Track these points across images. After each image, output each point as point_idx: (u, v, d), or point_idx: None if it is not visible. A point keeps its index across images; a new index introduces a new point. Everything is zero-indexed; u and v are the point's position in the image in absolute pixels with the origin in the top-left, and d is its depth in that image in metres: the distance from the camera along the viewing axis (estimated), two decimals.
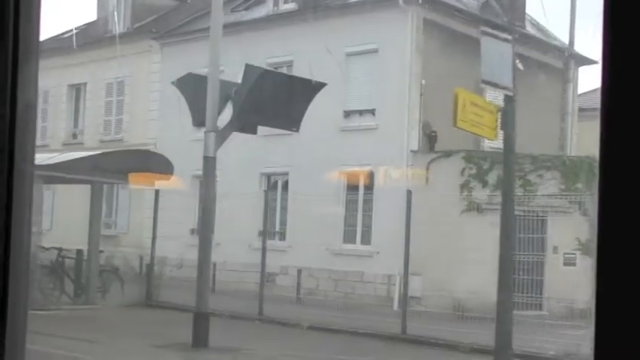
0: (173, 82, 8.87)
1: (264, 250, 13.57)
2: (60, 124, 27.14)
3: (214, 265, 19.65)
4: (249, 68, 8.08)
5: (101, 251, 17.08)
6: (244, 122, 8.82)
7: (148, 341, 11.25)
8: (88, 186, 17.72)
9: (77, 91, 27.20)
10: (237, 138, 19.50)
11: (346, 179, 19.25)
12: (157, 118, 23.91)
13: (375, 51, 18.41)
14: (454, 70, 18.71)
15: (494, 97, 13.63)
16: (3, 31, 1.40)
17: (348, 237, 19.15)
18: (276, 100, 8.61)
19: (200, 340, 9.62)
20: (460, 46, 18.48)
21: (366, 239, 18.83)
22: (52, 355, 9.17)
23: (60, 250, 16.09)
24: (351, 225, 19.22)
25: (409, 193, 16.54)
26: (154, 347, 10.86)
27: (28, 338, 1.44)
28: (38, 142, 26.73)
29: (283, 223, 20.39)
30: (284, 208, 20.44)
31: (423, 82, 18.06)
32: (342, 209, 19.22)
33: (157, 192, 15.34)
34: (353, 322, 14.73)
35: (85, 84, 26.47)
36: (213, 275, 20.02)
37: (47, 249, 15.79)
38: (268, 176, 20.87)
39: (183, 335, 10.71)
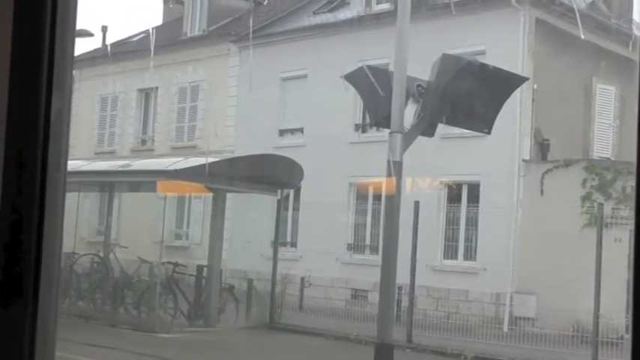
0: (343, 76, 7.98)
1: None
2: (128, 130, 26.64)
3: (301, 279, 19.04)
4: (447, 59, 7.16)
5: (181, 265, 16.31)
6: (434, 121, 7.91)
7: None
8: (152, 193, 17.25)
9: (147, 96, 26.75)
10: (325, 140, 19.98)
11: (447, 190, 18.53)
12: (235, 125, 23.18)
13: (483, 53, 17.46)
14: (567, 74, 17.76)
15: None
16: (39, 36, 1.42)
17: (450, 252, 18.39)
18: (472, 96, 7.68)
19: None
20: (571, 49, 17.55)
21: (470, 255, 18.04)
22: None
23: (176, 265, 15.31)
24: (452, 239, 18.38)
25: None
26: None
27: None
28: (105, 148, 26.85)
29: (375, 235, 19.59)
30: (375, 220, 19.65)
31: (535, 86, 17.09)
32: (441, 222, 18.39)
33: (279, 202, 14.50)
34: (469, 345, 13.77)
35: (156, 89, 25.89)
36: (301, 291, 19.37)
37: (163, 263, 15.04)
38: (357, 186, 20.21)
39: None
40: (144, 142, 26.63)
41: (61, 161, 1.47)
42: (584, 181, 16.21)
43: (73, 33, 1.49)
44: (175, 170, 12.72)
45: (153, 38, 22.67)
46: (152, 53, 22.96)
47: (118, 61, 26.17)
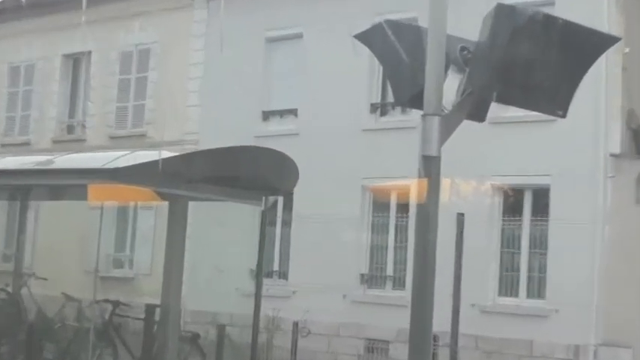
0: (355, 35, 7.89)
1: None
2: (49, 112, 26.73)
3: (295, 325, 19.16)
4: (503, 11, 7.01)
5: (123, 304, 16.34)
6: (486, 99, 7.81)
7: None
8: (82, 202, 17.23)
9: (76, 64, 26.93)
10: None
11: (502, 197, 18.66)
12: (200, 104, 23.34)
13: (551, 2, 17.56)
14: None
15: None
16: None
17: (507, 287, 18.61)
18: (539, 64, 7.58)
19: None
20: None
21: (535, 290, 18.23)
22: None
23: (116, 304, 15.35)
24: (510, 268, 18.51)
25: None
26: None
27: None
28: (17, 138, 26.90)
29: (400, 262, 19.73)
30: (401, 239, 19.82)
31: (627, 50, 17.19)
32: (494, 242, 18.55)
33: (263, 214, 14.47)
34: None
35: (88, 54, 26.02)
36: (294, 342, 19.48)
37: (97, 302, 15.08)
38: (374, 191, 20.40)
39: None
40: (71, 129, 26.74)
41: None
42: None
43: None
44: (115, 169, 12.66)
45: None
46: (84, 4, 22.96)
47: (34, 15, 26.21)
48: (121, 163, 13.08)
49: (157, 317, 15.00)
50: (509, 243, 18.66)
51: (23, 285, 18.25)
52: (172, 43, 24.27)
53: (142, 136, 24.11)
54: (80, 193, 14.79)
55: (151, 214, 22.13)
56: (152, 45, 24.72)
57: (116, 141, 24.12)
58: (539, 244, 18.22)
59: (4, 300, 17.91)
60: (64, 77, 26.84)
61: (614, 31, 16.54)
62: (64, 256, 21.22)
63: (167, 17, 24.34)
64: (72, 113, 26.86)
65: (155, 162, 12.47)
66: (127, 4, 24.95)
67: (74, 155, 18.40)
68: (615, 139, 17.56)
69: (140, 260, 23.40)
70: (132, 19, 24.89)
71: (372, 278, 20.31)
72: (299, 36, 21.93)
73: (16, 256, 19.51)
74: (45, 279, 18.37)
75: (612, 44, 8.05)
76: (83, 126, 26.29)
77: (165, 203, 15.08)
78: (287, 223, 21.43)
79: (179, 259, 14.43)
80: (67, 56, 26.73)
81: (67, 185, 15.36)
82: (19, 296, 17.88)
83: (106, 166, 13.18)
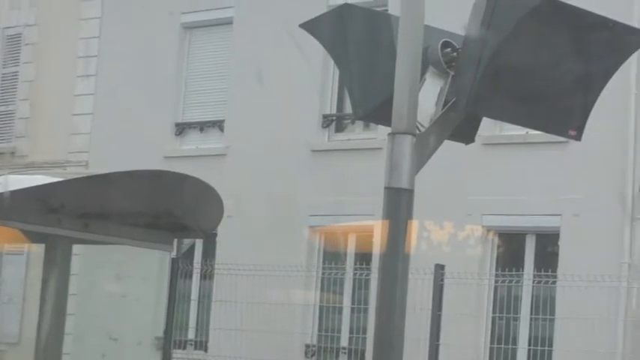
0: (302, 24, 7.97)
1: None
2: None
3: None
4: None
5: None
6: (475, 114, 7.96)
7: None
8: None
9: None
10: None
11: (497, 242, 18.78)
12: (92, 112, 23.33)
13: None
14: None
15: None
16: None
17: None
18: (550, 68, 7.75)
19: None
20: None
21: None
22: None
23: None
24: (505, 339, 18.69)
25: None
26: None
27: None
28: None
29: (358, 329, 19.85)
30: (359, 300, 19.89)
31: None
32: (485, 305, 18.78)
33: (174, 262, 14.55)
34: None
35: None
36: None
37: None
38: (325, 234, 20.43)
39: None
40: None
41: None
42: None
43: None
44: None
45: None
46: None
47: None
48: None
49: None
50: (505, 306, 18.72)
51: None
52: (54, 28, 24.36)
53: (11, 153, 24.05)
54: None
55: (20, 262, 22.03)
56: (26, 29, 24.83)
57: None
58: (544, 307, 18.23)
59: None
60: None
61: None
62: None
63: None
64: None
65: (27, 190, 12.48)
66: None
67: None
68: None
69: (5, 324, 23.26)
70: None
71: (322, 351, 20.36)
72: (227, 22, 22.08)
73: None
74: None
75: None
76: None
77: (41, 246, 15.08)
78: (207, 276, 21.35)
79: (59, 322, 14.40)
80: None
81: None
82: None
83: None
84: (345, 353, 20.11)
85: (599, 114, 7.97)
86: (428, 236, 17.44)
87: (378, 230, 7.39)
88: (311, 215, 20.16)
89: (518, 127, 8.57)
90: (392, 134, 7.28)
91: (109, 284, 19.73)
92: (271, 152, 20.53)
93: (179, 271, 15.73)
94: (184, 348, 21.04)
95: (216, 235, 17.84)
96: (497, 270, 18.87)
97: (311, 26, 8.09)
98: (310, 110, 20.65)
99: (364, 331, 19.43)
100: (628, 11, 17.05)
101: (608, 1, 15.46)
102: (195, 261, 21.40)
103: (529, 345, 18.45)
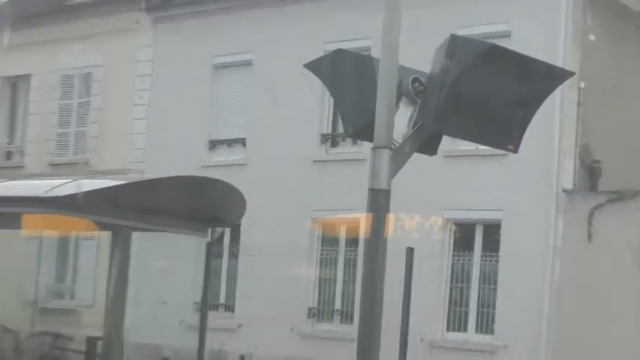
0: (306, 64, 8.00)
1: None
2: None
3: (242, 358, 19.17)
4: (458, 43, 7.20)
5: (64, 336, 16.30)
6: (437, 133, 7.97)
7: None
8: (20, 232, 17.14)
9: (14, 87, 26.72)
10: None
11: (453, 232, 18.77)
12: (146, 132, 23.27)
13: (507, 35, 17.79)
14: (629, 68, 18.17)
15: None
16: None
17: (456, 322, 18.73)
18: (493, 97, 7.75)
19: None
20: (636, 32, 18.02)
21: (485, 326, 18.34)
22: None
23: (55, 336, 15.24)
24: (459, 303, 18.63)
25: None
26: None
27: None
28: None
29: (348, 296, 19.80)
30: (349, 274, 19.86)
31: (582, 84, 17.43)
32: (444, 277, 18.71)
33: (208, 246, 14.46)
34: None
35: (27, 77, 25.88)
36: None
37: (36, 334, 14.97)
38: (323, 224, 20.39)
39: None
40: (9, 155, 26.57)
41: None
42: None
43: None
44: (54, 198, 12.59)
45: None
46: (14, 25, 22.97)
47: None
48: (62, 192, 13.05)
49: (98, 350, 14.94)
50: (459, 278, 18.75)
51: None
52: (117, 68, 24.14)
53: (85, 163, 24.00)
54: (17, 222, 14.73)
55: (92, 245, 22.00)
56: (95, 69, 24.59)
57: (56, 168, 23.95)
58: (490, 279, 18.31)
59: None
60: (2, 101, 26.61)
61: (570, 65, 16.82)
62: (1, 287, 21.02)
63: (111, 40, 24.18)
64: (10, 139, 26.62)
65: (98, 190, 12.47)
66: (69, 26, 24.80)
67: (12, 183, 18.32)
68: (568, 175, 17.74)
69: (82, 291, 23.21)
70: (74, 42, 24.68)
71: (320, 312, 20.34)
72: (248, 63, 21.98)
73: None
74: None
75: (566, 78, 8.33)
76: (22, 152, 26.09)
77: (108, 233, 15.04)
78: (234, 255, 21.42)
79: (122, 290, 14.38)
80: (4, 79, 26.52)
81: (3, 214, 15.27)
82: None
83: (46, 194, 13.14)
84: (338, 314, 20.06)
85: (532, 133, 7.99)
86: (402, 225, 17.41)
87: (364, 221, 7.38)
88: (312, 210, 20.12)
89: (470, 142, 8.58)
90: (374, 148, 7.33)
91: (159, 262, 19.79)
92: (282, 162, 20.50)
93: (213, 252, 15.66)
94: (217, 310, 21.03)
95: (240, 225, 17.77)
96: (454, 251, 18.85)
97: (312, 66, 8.11)
98: (312, 130, 20.61)
99: (353, 297, 19.36)
100: (554, 56, 17.01)
101: (540, 47, 15.49)
102: (224, 245, 21.39)
103: (477, 308, 18.52)
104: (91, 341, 15.30)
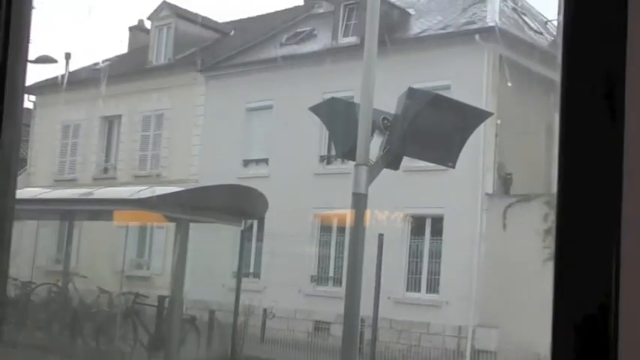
0: (310, 108, 7.96)
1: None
2: (90, 158, 26.34)
3: (264, 311, 18.91)
4: (413, 92, 7.20)
5: (142, 295, 16.09)
6: (400, 154, 7.92)
7: None
8: (113, 222, 17.12)
9: (110, 124, 26.53)
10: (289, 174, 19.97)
11: (411, 223, 18.56)
12: (199, 154, 23.12)
13: (447, 87, 17.64)
14: (529, 110, 18.03)
15: None
16: None
17: (413, 285, 18.40)
18: (438, 130, 7.71)
19: None
20: (535, 86, 17.83)
21: (433, 288, 18.06)
22: None
23: (136, 295, 15.09)
24: (415, 272, 18.43)
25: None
26: None
27: None
28: (66, 175, 26.49)
29: (338, 267, 19.56)
30: (339, 252, 19.63)
31: (499, 121, 17.29)
32: (404, 255, 18.50)
33: (242, 233, 14.38)
34: None
35: (119, 117, 25.71)
36: (263, 323, 19.28)
37: (123, 294, 14.81)
38: (321, 218, 20.20)
39: None
40: (106, 170, 26.32)
41: (9, 189, 1.47)
42: (546, 216, 16.28)
43: (23, 64, 1.50)
44: (137, 200, 12.54)
45: (115, 66, 22.55)
46: (110, 81, 22.83)
47: (81, 88, 25.94)
48: (143, 195, 12.99)
49: (166, 305, 14.84)
50: (415, 255, 18.63)
51: (69, 281, 17.98)
52: (180, 110, 24.00)
53: (158, 175, 23.89)
54: (111, 216, 14.66)
55: (163, 232, 21.86)
56: (166, 111, 24.47)
57: (138, 179, 23.83)
58: (436, 256, 18.19)
59: (55, 292, 17.61)
60: (102, 133, 26.50)
61: (490, 107, 16.72)
62: (99, 261, 20.92)
63: (177, 91, 24.09)
64: (107, 159, 26.53)
65: (166, 195, 12.41)
66: (147, 82, 24.73)
67: (109, 189, 18.26)
68: (489, 183, 17.68)
69: (155, 264, 23.07)
70: (151, 92, 24.63)
71: (319, 278, 20.20)
72: (270, 107, 21.90)
73: (65, 260, 19.22)
74: (85, 277, 18.11)
75: (488, 117, 8.31)
76: (115, 168, 25.99)
77: (173, 224, 14.97)
78: (260, 239, 21.26)
79: (182, 263, 14.31)
80: (104, 118, 26.40)
81: (103, 210, 15.20)
82: (66, 289, 17.62)
83: (132, 197, 13.09)
84: (331, 279, 19.95)
85: (464, 154, 7.98)
86: (375, 218, 17.28)
87: (349, 215, 7.40)
88: (314, 208, 20.00)
89: (422, 161, 8.58)
90: (356, 165, 7.32)
91: (209, 243, 19.65)
92: (293, 175, 20.38)
93: (245, 237, 15.58)
94: (247, 277, 20.84)
95: (264, 218, 17.69)
96: (411, 236, 18.75)
97: (314, 109, 8.13)
98: (313, 153, 20.53)
99: (342, 268, 19.21)
100: (479, 101, 16.87)
101: (469, 95, 15.38)
102: (253, 232, 21.26)
103: (427, 275, 18.39)
104: (161, 299, 15.20)
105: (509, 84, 17.25)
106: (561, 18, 1.30)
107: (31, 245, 20.96)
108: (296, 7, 25.48)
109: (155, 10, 26.02)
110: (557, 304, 1.18)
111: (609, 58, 1.16)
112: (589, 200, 1.20)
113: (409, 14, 20.70)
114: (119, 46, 36.77)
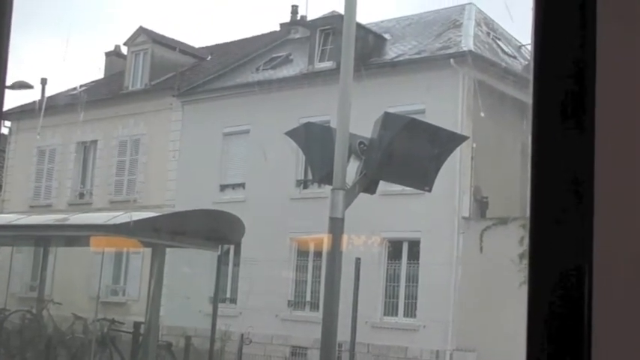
0: (286, 132, 7.95)
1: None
2: (66, 183, 26.09)
3: (241, 336, 18.76)
4: (389, 117, 7.22)
5: (117, 321, 15.92)
6: (376, 179, 7.93)
7: None
8: (89, 248, 16.98)
9: (86, 149, 26.30)
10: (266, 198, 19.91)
11: (388, 247, 18.55)
12: (176, 179, 22.98)
13: (422, 112, 17.73)
14: (505, 133, 18.17)
15: None
16: None
17: (390, 309, 18.33)
18: (414, 154, 7.73)
19: None
20: (509, 109, 18.01)
21: (410, 311, 18.00)
22: None
23: (112, 321, 14.89)
24: (392, 297, 18.35)
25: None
26: None
27: None
28: (41, 201, 26.21)
29: (315, 291, 19.46)
30: (316, 276, 19.55)
31: (474, 145, 17.37)
32: (381, 278, 18.44)
33: (219, 257, 14.28)
34: None
35: (95, 142, 25.54)
36: (239, 348, 19.10)
37: (98, 320, 14.61)
38: (298, 242, 20.11)
39: None
40: (82, 195, 26.07)
41: None
42: (522, 239, 16.33)
43: (1, 90, 1.47)
44: (113, 225, 12.43)
45: (90, 92, 22.44)
46: (86, 107, 22.70)
47: (57, 113, 25.72)
48: (119, 220, 12.88)
49: (141, 331, 14.69)
50: (392, 279, 18.54)
51: (44, 308, 17.74)
52: (156, 135, 23.90)
53: (134, 201, 23.68)
54: (87, 242, 14.52)
55: (139, 257, 21.67)
56: (142, 136, 24.33)
57: (114, 204, 23.64)
58: (413, 279, 18.12)
59: (29, 319, 17.36)
60: (77, 158, 26.27)
61: (465, 132, 16.83)
62: (74, 287, 20.69)
63: (153, 116, 23.99)
64: (83, 184, 26.29)
65: (142, 220, 12.31)
66: (123, 107, 24.60)
67: (84, 215, 18.10)
68: (465, 207, 17.71)
69: (131, 289, 22.84)
70: (127, 117, 24.51)
71: (296, 303, 20.08)
72: (246, 132, 21.85)
73: (39, 286, 18.97)
74: (60, 303, 17.89)
75: (463, 141, 8.36)
76: (91, 193, 25.76)
77: (149, 249, 14.85)
78: (236, 264, 21.11)
79: (159, 289, 14.18)
80: (79, 143, 26.17)
81: (79, 236, 15.05)
82: (40, 316, 17.37)
83: (108, 222, 12.98)
84: (309, 304, 19.84)
85: (441, 178, 8.00)
86: (352, 242, 17.25)
87: (326, 239, 7.36)
88: (290, 232, 19.93)
89: (398, 185, 8.58)
90: (333, 189, 7.31)
91: (185, 268, 19.50)
92: (269, 200, 20.32)
93: (222, 261, 15.47)
94: (224, 302, 20.70)
95: (241, 243, 17.59)
96: (388, 260, 18.70)
97: (290, 133, 8.12)
98: (290, 177, 20.50)
99: (319, 292, 19.12)
100: (454, 126, 16.95)
101: (445, 120, 15.46)
102: (229, 256, 21.12)
103: (404, 299, 18.34)
104: (137, 325, 15.04)
105: (482, 114, 17.36)
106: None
107: (6, 272, 20.64)
108: (272, 33, 25.58)
109: (131, 36, 25.97)
110: (531, 329, 1.18)
111: (578, 83, 1.18)
112: (561, 221, 1.20)
113: (385, 39, 20.83)
114: (95, 71, 36.65)
